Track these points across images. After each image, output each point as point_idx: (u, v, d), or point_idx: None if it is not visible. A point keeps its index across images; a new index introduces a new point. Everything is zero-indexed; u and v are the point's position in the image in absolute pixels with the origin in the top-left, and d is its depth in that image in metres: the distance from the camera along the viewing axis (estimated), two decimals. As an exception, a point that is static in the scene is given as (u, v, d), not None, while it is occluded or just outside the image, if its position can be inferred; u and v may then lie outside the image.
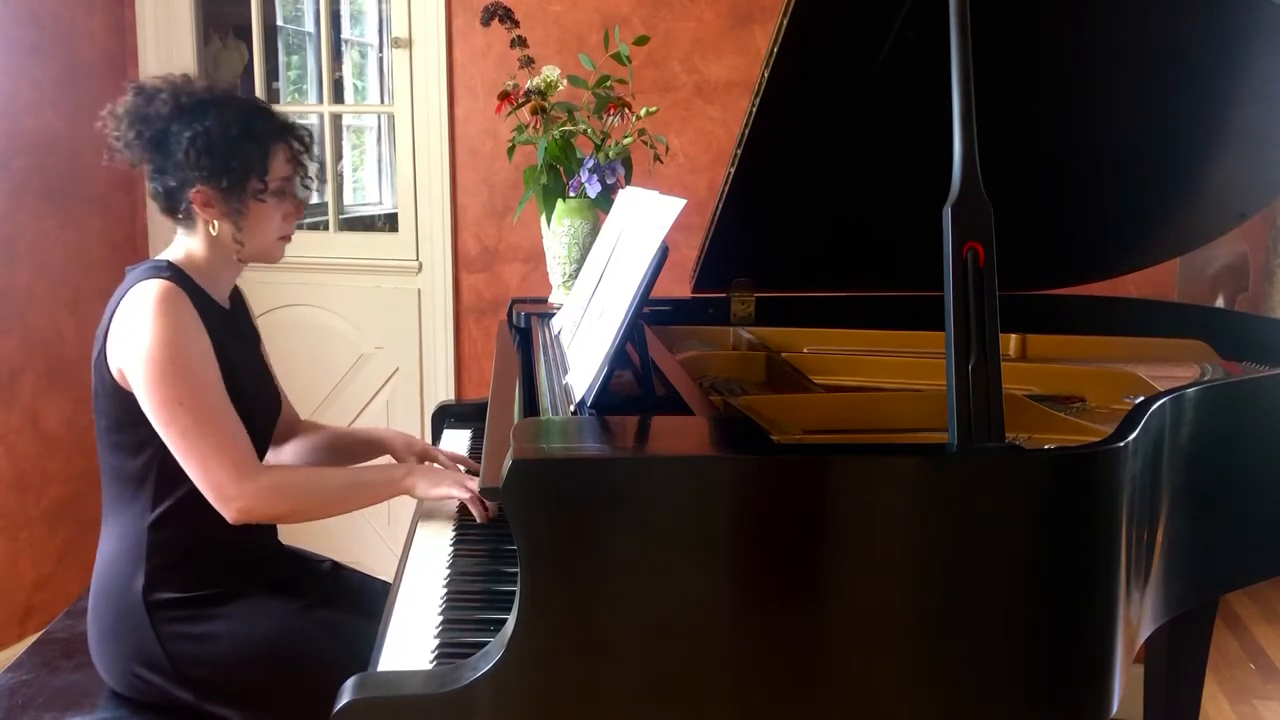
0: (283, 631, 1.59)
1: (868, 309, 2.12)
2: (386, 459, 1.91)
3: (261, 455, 1.76)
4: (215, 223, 1.61)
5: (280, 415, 1.83)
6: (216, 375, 1.55)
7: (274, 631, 1.58)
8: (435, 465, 1.80)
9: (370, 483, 1.65)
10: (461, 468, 1.80)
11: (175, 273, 1.59)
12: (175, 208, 1.62)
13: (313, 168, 1.71)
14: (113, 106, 1.63)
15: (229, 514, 1.53)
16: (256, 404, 1.69)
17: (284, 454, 1.90)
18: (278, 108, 1.72)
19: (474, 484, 1.61)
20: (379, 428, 2.02)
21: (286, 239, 1.69)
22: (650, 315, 1.91)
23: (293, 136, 1.66)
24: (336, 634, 1.61)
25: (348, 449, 1.94)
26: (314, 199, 4.21)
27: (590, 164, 2.16)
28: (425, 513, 1.67)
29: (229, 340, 1.64)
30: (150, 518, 1.58)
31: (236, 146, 1.58)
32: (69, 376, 3.00)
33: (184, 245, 1.66)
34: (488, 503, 1.58)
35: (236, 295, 1.78)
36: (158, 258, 1.64)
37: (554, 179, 2.22)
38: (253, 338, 1.81)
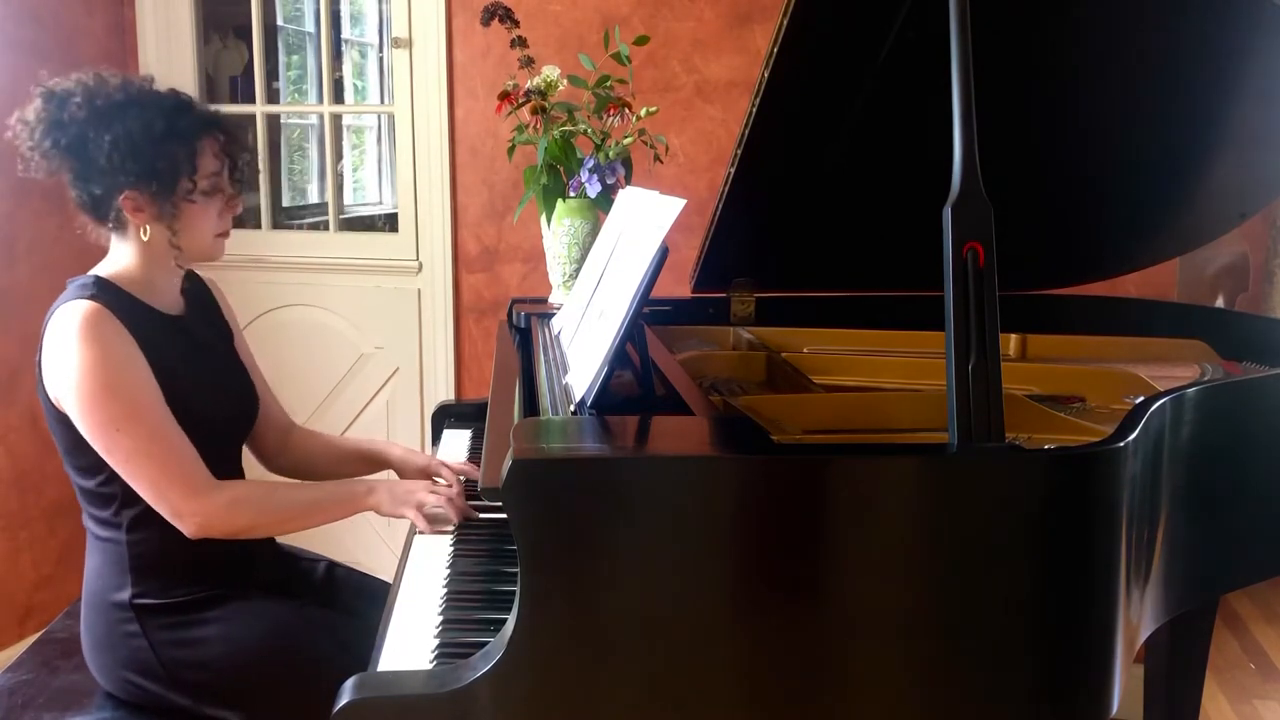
0: (279, 632, 1.58)
1: (868, 309, 2.12)
2: (389, 473, 1.90)
3: (235, 457, 1.74)
4: (147, 227, 1.56)
5: (263, 416, 1.79)
6: (154, 394, 1.51)
7: (270, 632, 1.57)
8: (403, 480, 1.77)
9: (332, 498, 1.62)
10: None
11: (102, 289, 1.54)
12: (104, 215, 1.56)
13: (243, 159, 1.64)
14: (21, 113, 1.55)
15: (186, 530, 1.51)
16: (215, 407, 1.64)
17: (279, 462, 1.88)
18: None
19: (447, 492, 1.60)
20: (381, 441, 1.99)
21: (225, 235, 1.63)
22: (650, 315, 1.91)
23: (218, 130, 1.59)
24: (335, 634, 1.61)
25: (349, 461, 1.91)
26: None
27: (590, 164, 2.16)
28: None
29: (175, 348, 1.59)
30: (125, 528, 1.56)
31: (161, 147, 1.51)
32: (69, 376, 2.99)
33: (116, 255, 1.60)
34: (460, 505, 1.58)
35: (198, 292, 1.73)
36: (87, 274, 1.58)
37: (554, 179, 2.21)
38: (218, 336, 1.75)
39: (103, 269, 1.60)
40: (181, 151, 1.53)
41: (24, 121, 1.55)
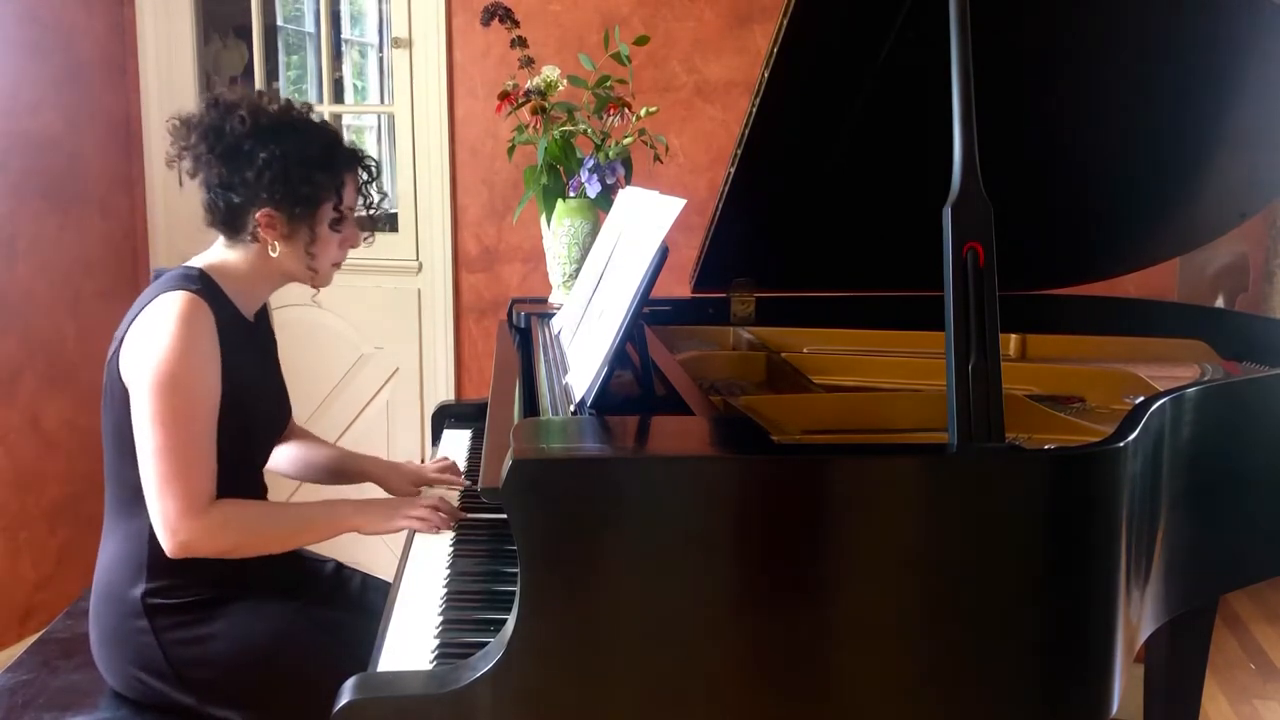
0: (283, 632, 1.58)
1: (868, 309, 2.12)
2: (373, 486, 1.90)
3: (261, 465, 1.76)
4: (276, 244, 1.60)
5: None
6: (211, 402, 1.53)
7: (274, 632, 1.58)
8: (388, 499, 1.77)
9: (316, 519, 1.62)
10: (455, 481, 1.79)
11: (205, 283, 1.58)
12: (235, 224, 1.60)
13: (376, 197, 1.71)
14: (181, 114, 1.62)
15: (169, 547, 1.50)
16: (261, 417, 1.68)
17: (276, 458, 1.88)
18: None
19: (433, 504, 1.60)
20: (370, 457, 1.99)
21: (338, 265, 1.70)
22: (650, 315, 1.91)
23: (362, 166, 1.67)
24: (337, 634, 1.61)
25: (341, 472, 1.91)
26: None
27: (590, 164, 2.16)
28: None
29: (246, 354, 1.62)
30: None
31: (312, 175, 1.58)
32: (69, 377, 3.00)
33: (223, 253, 1.64)
34: (445, 514, 1.59)
35: (262, 307, 1.76)
36: (190, 264, 1.62)
37: (554, 179, 2.22)
38: (271, 348, 1.80)
39: (204, 260, 1.64)
40: (329, 182, 1.60)
41: (184, 121, 1.61)
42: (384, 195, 1.75)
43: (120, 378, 1.55)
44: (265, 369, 1.74)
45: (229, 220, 1.61)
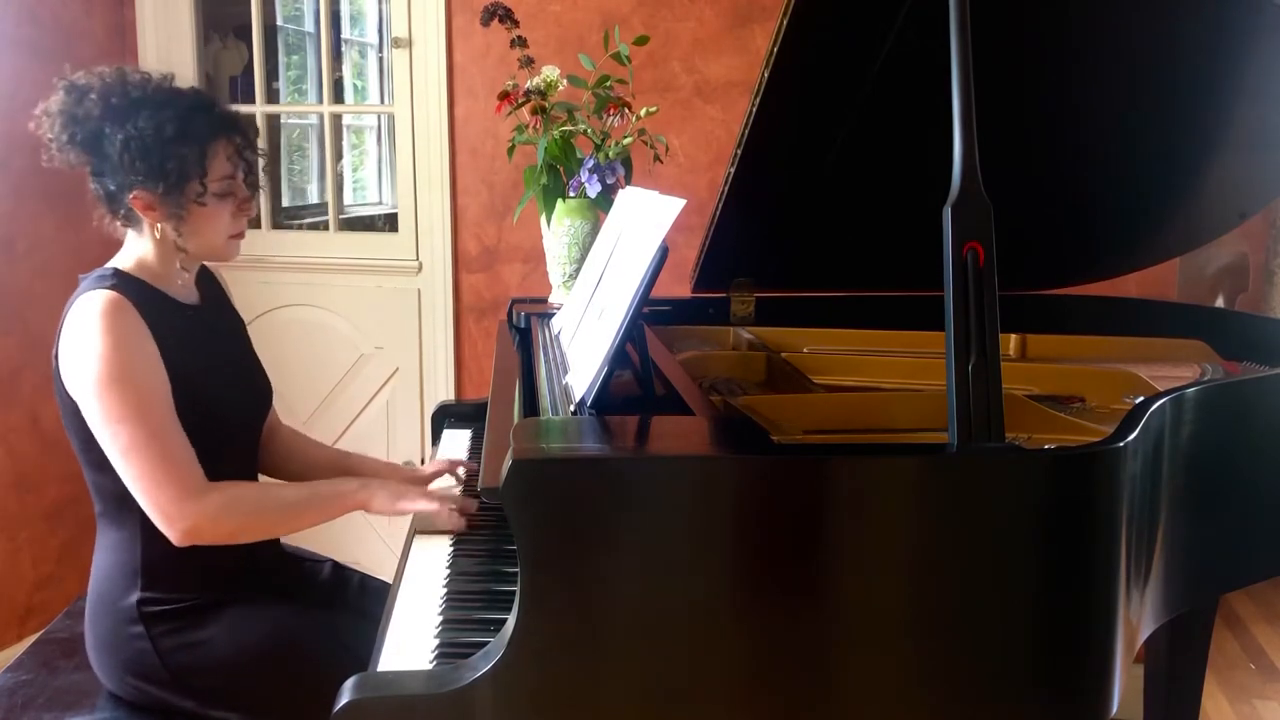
0: (281, 633, 1.58)
1: (868, 309, 2.12)
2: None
3: (253, 449, 1.73)
4: (159, 226, 1.56)
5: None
6: (162, 391, 1.49)
7: (272, 633, 1.57)
8: (398, 480, 1.73)
9: (322, 497, 1.58)
10: (457, 477, 1.78)
11: (122, 280, 1.54)
12: (117, 210, 1.57)
13: (259, 162, 1.64)
14: (46, 105, 1.56)
15: (174, 536, 1.47)
16: (233, 398, 1.64)
17: (267, 459, 1.85)
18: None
19: (444, 494, 1.58)
20: (374, 459, 1.96)
21: (239, 236, 1.63)
22: (650, 315, 1.90)
23: (234, 132, 1.58)
24: (336, 634, 1.61)
25: (330, 469, 1.87)
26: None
27: (590, 164, 2.16)
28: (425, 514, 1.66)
29: (196, 338, 1.58)
30: (143, 528, 1.53)
31: (172, 149, 1.51)
32: (69, 376, 3.00)
33: (132, 248, 1.60)
34: (456, 507, 1.56)
35: (212, 285, 1.72)
36: (105, 266, 1.59)
37: (554, 179, 2.21)
38: (233, 329, 1.75)
39: (120, 261, 1.60)
40: (192, 154, 1.52)
41: (46, 112, 1.57)
42: (264, 154, 1.66)
43: (68, 393, 1.52)
44: (222, 349, 1.68)
45: (113, 209, 1.57)
